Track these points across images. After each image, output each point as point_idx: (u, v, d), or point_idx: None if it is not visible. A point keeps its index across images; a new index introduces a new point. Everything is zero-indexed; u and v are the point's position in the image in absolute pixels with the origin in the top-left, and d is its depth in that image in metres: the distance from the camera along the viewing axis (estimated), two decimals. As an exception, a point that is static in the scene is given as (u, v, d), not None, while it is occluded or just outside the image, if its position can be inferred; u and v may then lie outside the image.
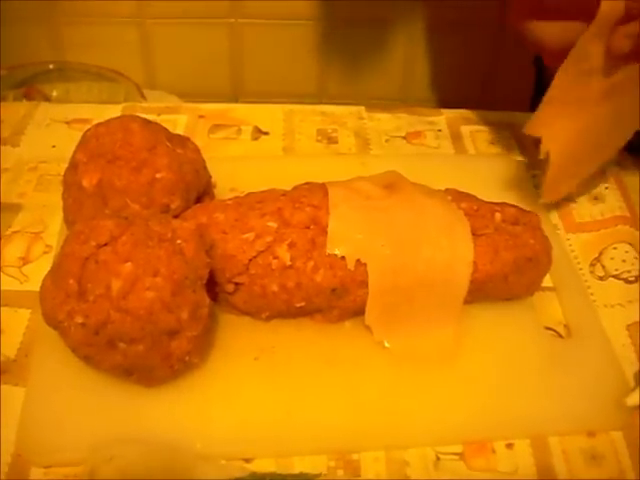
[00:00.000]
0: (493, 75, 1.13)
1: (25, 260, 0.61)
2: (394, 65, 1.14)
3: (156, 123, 0.58)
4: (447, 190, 0.59)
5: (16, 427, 0.49)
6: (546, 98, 0.61)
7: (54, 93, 1.07)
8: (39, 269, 0.59)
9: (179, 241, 0.49)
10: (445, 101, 0.86)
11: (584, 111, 0.61)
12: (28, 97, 1.01)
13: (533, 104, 0.93)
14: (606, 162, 0.68)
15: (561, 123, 0.61)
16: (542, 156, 0.62)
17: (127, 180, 0.54)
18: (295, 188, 0.57)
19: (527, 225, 0.57)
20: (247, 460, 0.49)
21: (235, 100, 0.98)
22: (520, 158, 0.74)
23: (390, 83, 1.16)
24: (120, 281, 0.46)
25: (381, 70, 1.15)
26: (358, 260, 0.52)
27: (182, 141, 0.58)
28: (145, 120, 0.57)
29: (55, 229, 0.62)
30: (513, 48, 0.97)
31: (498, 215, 0.57)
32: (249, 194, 0.56)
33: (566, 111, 0.61)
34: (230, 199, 0.56)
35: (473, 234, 0.54)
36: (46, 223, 0.63)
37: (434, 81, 1.15)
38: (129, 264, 0.46)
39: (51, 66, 1.09)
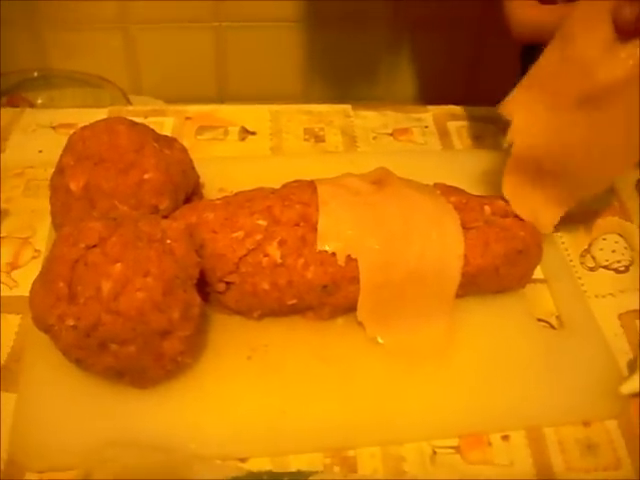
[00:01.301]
0: (477, 71, 1.13)
1: (14, 265, 0.60)
2: (378, 65, 1.14)
3: (142, 124, 0.57)
4: (436, 184, 0.59)
5: (8, 433, 0.49)
6: (526, 78, 0.56)
7: (39, 101, 1.07)
8: (28, 274, 0.58)
9: (169, 241, 0.48)
10: (430, 100, 0.86)
11: (561, 110, 0.55)
12: (12, 105, 1.01)
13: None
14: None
15: (537, 111, 0.56)
16: (506, 144, 0.58)
17: (115, 182, 0.53)
18: (284, 186, 0.57)
19: (517, 217, 0.57)
20: (242, 460, 0.49)
21: (221, 104, 0.98)
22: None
23: (375, 83, 1.16)
24: (110, 282, 0.45)
25: (366, 71, 1.15)
26: (349, 256, 0.52)
27: (169, 142, 0.58)
28: (131, 122, 0.57)
29: (44, 234, 0.62)
30: (496, 44, 0.97)
31: (487, 208, 0.57)
32: (238, 193, 0.56)
33: (544, 100, 0.55)
34: (219, 198, 0.56)
35: (463, 227, 0.54)
36: (35, 228, 0.63)
37: (419, 80, 1.15)
38: (119, 265, 0.46)
39: (35, 74, 1.09)
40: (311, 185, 0.55)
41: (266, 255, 0.52)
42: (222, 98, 1.16)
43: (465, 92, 1.15)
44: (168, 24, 1.11)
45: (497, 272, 0.55)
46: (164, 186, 0.54)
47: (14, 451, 0.48)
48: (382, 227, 0.53)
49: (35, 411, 0.49)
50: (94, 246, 0.47)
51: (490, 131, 0.77)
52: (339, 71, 1.13)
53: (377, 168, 0.59)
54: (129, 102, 1.05)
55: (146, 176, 0.54)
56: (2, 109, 0.77)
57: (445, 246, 0.53)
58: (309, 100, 0.91)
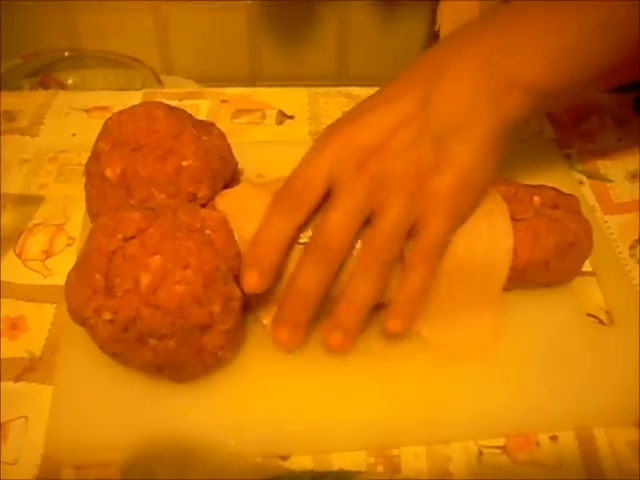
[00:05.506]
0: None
1: (48, 253, 0.59)
2: (414, 46, 1.12)
3: (180, 109, 0.56)
4: (483, 173, 0.56)
5: (44, 427, 0.48)
6: None
7: (70, 81, 1.06)
8: (63, 262, 0.57)
9: (208, 231, 0.47)
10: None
11: None
12: (44, 86, 1.00)
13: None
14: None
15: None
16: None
17: (152, 169, 0.52)
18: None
19: (567, 209, 0.55)
20: (284, 457, 0.48)
21: (253, 84, 0.96)
22: (553, 137, 0.72)
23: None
24: (149, 275, 0.44)
25: (401, 51, 1.12)
26: (395, 247, 0.50)
27: (207, 127, 0.56)
28: (169, 106, 0.55)
29: (78, 220, 0.61)
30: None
31: (537, 199, 0.54)
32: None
33: None
34: (259, 186, 0.54)
35: (512, 219, 0.52)
36: (68, 214, 0.62)
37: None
38: (158, 257, 0.44)
39: (66, 54, 1.08)
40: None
41: (309, 246, 0.50)
42: (255, 79, 1.14)
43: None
44: (200, 3, 1.09)
45: (547, 266, 0.53)
46: (202, 173, 0.53)
47: (50, 446, 0.47)
48: (429, 218, 0.51)
49: (71, 405, 0.48)
50: (132, 237, 0.45)
51: (535, 116, 0.74)
52: (376, 52, 1.11)
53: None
54: (160, 82, 1.04)
55: (184, 163, 0.52)
56: (35, 92, 0.76)
57: (494, 239, 0.51)
58: (344, 81, 0.89)
